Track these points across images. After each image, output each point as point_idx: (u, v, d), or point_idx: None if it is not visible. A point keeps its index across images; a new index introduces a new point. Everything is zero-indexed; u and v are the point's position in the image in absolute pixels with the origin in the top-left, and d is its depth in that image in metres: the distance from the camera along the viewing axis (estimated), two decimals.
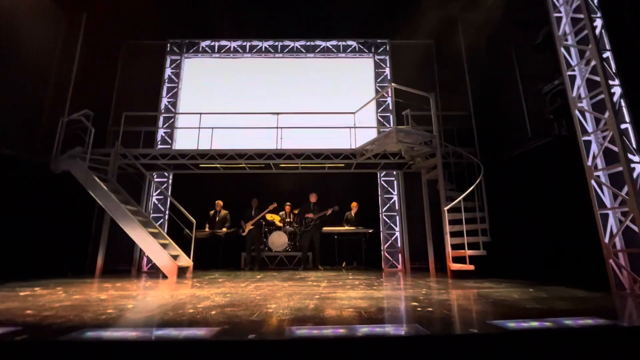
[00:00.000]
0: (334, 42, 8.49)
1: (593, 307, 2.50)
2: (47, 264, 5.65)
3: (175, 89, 8.03)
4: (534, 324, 1.91)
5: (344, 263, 7.10)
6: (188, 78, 8.21)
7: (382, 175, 7.80)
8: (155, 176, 7.52)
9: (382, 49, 8.36)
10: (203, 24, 7.89)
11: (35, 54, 6.13)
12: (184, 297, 3.09)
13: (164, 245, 5.51)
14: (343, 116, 7.08)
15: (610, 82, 3.49)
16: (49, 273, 5.35)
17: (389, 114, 7.89)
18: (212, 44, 8.44)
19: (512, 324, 1.89)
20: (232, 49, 8.46)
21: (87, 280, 4.87)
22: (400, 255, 7.27)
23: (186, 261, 5.73)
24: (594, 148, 3.69)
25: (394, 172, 7.66)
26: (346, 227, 7.16)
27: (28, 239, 5.51)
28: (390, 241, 7.43)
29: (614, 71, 3.51)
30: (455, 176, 6.15)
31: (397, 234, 7.43)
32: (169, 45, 8.22)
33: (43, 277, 4.97)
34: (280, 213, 7.59)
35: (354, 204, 7.25)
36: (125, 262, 6.64)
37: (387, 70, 8.21)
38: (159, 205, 7.50)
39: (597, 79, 3.57)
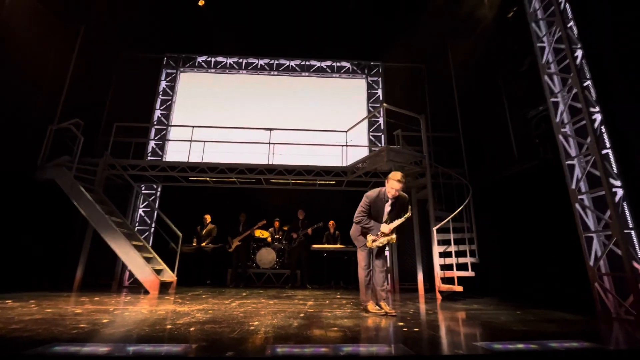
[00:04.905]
0: (328, 63, 8.70)
1: (579, 331, 2.48)
2: (24, 276, 5.41)
3: (169, 102, 8.05)
4: (520, 346, 1.88)
5: (331, 282, 6.96)
6: (183, 91, 8.26)
7: None
8: (143, 188, 7.40)
9: (375, 70, 8.59)
10: (200, 40, 8.03)
11: (29, 62, 6.08)
12: (163, 313, 2.97)
13: (148, 259, 5.35)
14: (335, 134, 7.16)
15: (591, 109, 3.62)
16: (24, 286, 5.10)
17: (380, 134, 8.00)
18: (209, 59, 8.56)
19: (498, 346, 1.86)
20: (228, 65, 8.58)
21: (64, 293, 4.67)
22: (389, 275, 7.17)
23: (170, 276, 5.57)
24: (577, 172, 3.77)
25: None
26: (333, 245, 7.07)
27: (3, 249, 5.29)
28: None
29: (594, 98, 3.65)
30: (444, 197, 6.19)
31: (387, 253, 7.35)
32: (165, 58, 8.31)
33: (18, 289, 4.74)
34: (270, 229, 7.47)
35: (331, 223, 7.20)
36: (106, 276, 6.39)
37: (380, 92, 8.40)
38: (146, 217, 7.34)
39: (579, 105, 3.70)
